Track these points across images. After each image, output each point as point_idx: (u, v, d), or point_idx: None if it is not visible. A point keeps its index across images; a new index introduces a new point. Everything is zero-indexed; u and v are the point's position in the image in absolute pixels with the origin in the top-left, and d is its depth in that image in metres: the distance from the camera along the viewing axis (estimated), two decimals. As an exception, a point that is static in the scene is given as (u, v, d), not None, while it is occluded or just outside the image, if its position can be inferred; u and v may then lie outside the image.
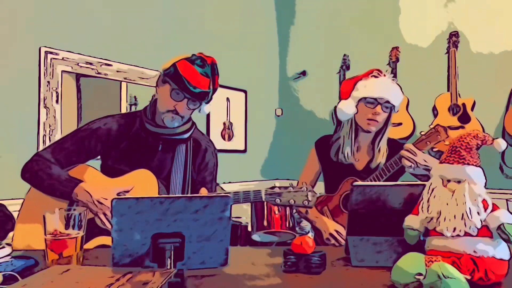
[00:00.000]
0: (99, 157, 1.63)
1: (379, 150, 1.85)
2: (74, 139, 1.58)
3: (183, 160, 1.62)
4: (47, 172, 1.47)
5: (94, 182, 1.49)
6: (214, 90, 1.57)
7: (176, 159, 1.61)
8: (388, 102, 1.77)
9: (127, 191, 1.48)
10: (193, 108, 1.55)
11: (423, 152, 1.68)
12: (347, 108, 1.81)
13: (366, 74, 1.82)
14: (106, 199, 1.40)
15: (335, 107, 1.88)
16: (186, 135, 1.63)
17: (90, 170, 1.57)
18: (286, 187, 1.39)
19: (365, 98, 1.77)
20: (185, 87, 1.47)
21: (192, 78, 1.47)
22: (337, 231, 1.84)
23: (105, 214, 1.41)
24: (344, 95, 1.86)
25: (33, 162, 1.52)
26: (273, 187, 1.40)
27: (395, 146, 1.88)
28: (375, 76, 1.79)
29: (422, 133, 1.72)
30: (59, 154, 1.54)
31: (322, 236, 1.96)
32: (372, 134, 1.86)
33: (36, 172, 1.49)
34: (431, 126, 1.72)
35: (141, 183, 1.50)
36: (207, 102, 1.60)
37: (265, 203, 1.94)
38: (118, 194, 1.45)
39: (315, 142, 1.99)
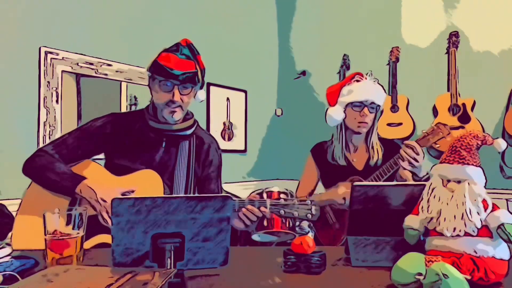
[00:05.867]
0: (102, 153, 1.63)
1: (373, 147, 1.93)
2: (77, 135, 1.58)
3: (186, 156, 1.63)
4: (51, 168, 1.47)
5: (99, 180, 1.48)
6: (202, 71, 1.57)
7: (179, 155, 1.62)
8: (373, 103, 1.85)
9: (132, 191, 1.47)
10: (186, 94, 1.54)
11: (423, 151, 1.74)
12: (336, 114, 1.91)
13: (349, 79, 1.91)
14: (110, 197, 1.39)
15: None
16: (189, 132, 1.63)
17: (95, 166, 1.57)
18: (291, 199, 1.42)
19: (351, 102, 1.85)
20: (168, 74, 1.49)
21: (172, 64, 1.49)
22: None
23: (108, 212, 1.40)
24: (331, 102, 1.95)
25: (36, 157, 1.51)
26: (278, 199, 1.44)
27: (391, 145, 1.96)
28: (358, 80, 1.88)
29: (424, 131, 1.78)
30: (63, 150, 1.54)
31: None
32: (364, 134, 1.93)
33: (39, 167, 1.48)
34: (433, 125, 1.78)
35: (146, 183, 1.50)
36: (201, 87, 1.62)
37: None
38: (122, 194, 1.44)
39: (310, 150, 2.07)
